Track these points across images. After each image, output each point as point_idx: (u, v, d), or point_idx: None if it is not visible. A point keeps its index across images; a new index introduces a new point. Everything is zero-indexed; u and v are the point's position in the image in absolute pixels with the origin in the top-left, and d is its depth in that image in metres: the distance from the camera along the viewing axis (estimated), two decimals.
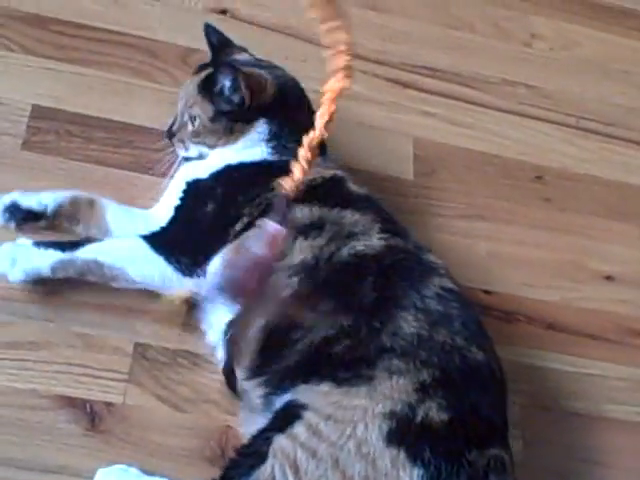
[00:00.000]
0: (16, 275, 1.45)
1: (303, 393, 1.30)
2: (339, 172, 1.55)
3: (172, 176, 1.62)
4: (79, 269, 1.46)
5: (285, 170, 1.30)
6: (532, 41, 2.19)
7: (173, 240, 1.48)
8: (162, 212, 1.54)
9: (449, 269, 1.47)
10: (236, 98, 1.54)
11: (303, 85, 1.74)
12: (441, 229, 1.79)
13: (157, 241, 1.47)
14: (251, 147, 1.56)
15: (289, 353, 1.34)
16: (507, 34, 2.18)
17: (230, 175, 1.52)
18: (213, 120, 1.57)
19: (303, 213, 1.43)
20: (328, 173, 1.52)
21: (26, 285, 1.51)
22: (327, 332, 1.32)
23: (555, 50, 2.21)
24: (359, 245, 1.40)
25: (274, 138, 1.56)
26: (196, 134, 1.59)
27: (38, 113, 1.73)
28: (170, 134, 1.63)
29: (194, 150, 1.60)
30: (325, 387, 1.29)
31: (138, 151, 1.73)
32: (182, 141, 1.61)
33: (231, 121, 1.56)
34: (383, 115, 1.95)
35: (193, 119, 1.58)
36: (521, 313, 1.72)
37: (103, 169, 1.70)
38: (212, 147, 1.58)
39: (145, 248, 1.47)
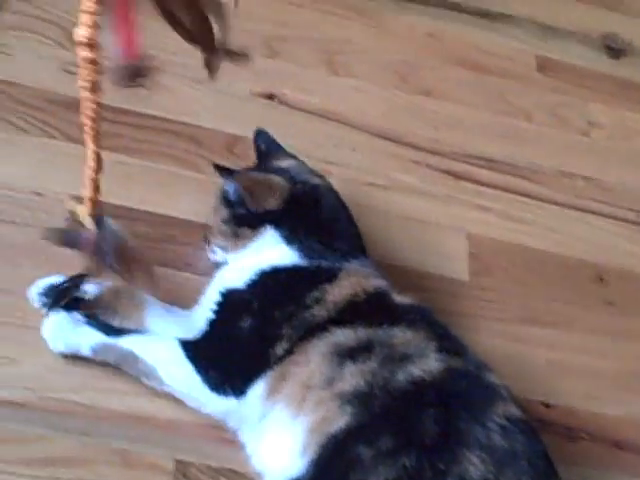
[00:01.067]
0: (57, 345, 1.45)
1: None
2: (381, 283, 1.47)
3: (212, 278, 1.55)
4: (117, 357, 1.43)
5: (319, 276, 1.41)
6: (590, 130, 2.11)
7: (206, 352, 1.42)
8: (199, 318, 1.48)
9: (509, 387, 1.38)
10: (240, 203, 1.52)
11: (353, 176, 1.66)
12: (497, 334, 1.71)
13: (191, 349, 1.42)
14: (262, 252, 1.50)
15: None
16: (564, 122, 2.11)
17: (265, 284, 1.45)
18: (226, 223, 1.54)
19: (346, 335, 1.36)
20: (370, 286, 1.44)
21: (62, 396, 1.43)
22: (389, 474, 1.22)
23: (614, 139, 2.13)
24: (416, 369, 1.31)
25: (295, 242, 1.49)
26: (215, 236, 1.56)
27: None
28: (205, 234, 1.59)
29: (218, 253, 1.57)
30: None
31: (180, 247, 1.66)
32: (209, 242, 1.58)
33: (236, 226, 1.52)
34: (435, 209, 1.88)
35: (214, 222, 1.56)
36: (584, 429, 1.62)
37: None
38: (227, 251, 1.54)
39: (179, 353, 1.42)
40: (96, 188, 1.29)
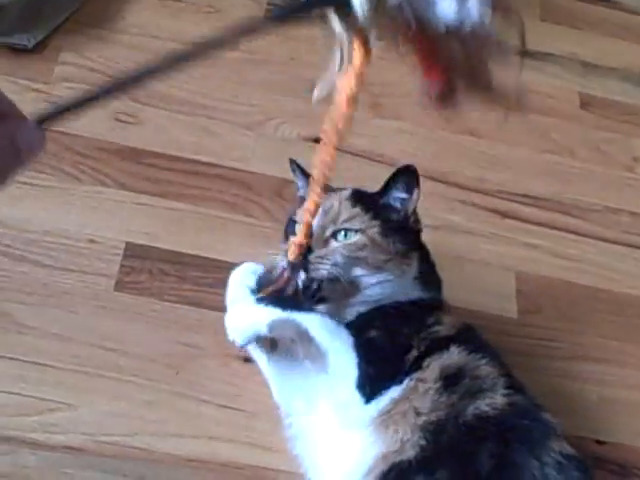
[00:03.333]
0: (237, 332, 1.38)
1: None
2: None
3: None
4: (294, 332, 1.34)
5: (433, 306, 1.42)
6: (634, 165, 2.11)
7: (369, 351, 1.36)
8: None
9: (560, 422, 1.36)
10: (405, 214, 1.47)
11: None
12: (548, 372, 1.70)
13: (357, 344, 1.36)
14: (411, 283, 1.45)
15: None
16: (608, 158, 2.11)
17: (387, 312, 1.41)
18: (385, 235, 1.42)
19: (452, 357, 1.35)
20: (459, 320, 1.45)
21: (118, 440, 1.46)
22: None
23: None
24: (483, 405, 1.30)
25: (424, 274, 1.48)
26: (353, 248, 1.40)
27: (131, 251, 1.70)
28: (301, 254, 1.36)
29: (340, 267, 1.39)
30: None
31: None
32: (325, 256, 1.38)
33: (404, 244, 1.44)
34: (483, 247, 1.88)
35: (347, 232, 1.42)
36: (637, 466, 1.61)
37: (197, 311, 1.65)
38: (374, 267, 1.41)
39: (350, 343, 1.35)
40: (308, 234, 1.27)
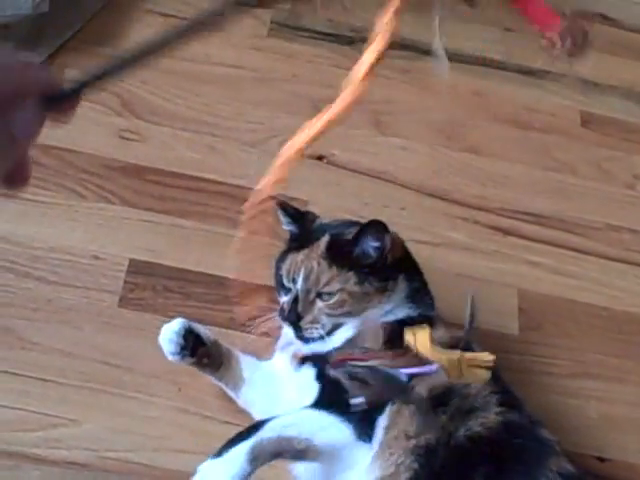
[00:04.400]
0: None
1: None
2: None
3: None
4: (272, 450, 1.29)
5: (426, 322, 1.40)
6: (636, 183, 2.12)
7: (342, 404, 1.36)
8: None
9: (561, 443, 1.38)
10: (380, 256, 1.46)
11: (402, 234, 1.69)
12: (548, 389, 1.71)
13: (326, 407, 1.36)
14: (399, 305, 1.48)
15: None
16: (609, 176, 2.12)
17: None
18: (362, 283, 1.44)
19: (440, 377, 1.35)
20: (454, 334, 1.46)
21: (121, 456, 1.47)
22: None
23: None
24: (476, 425, 1.31)
25: (414, 292, 1.50)
26: (335, 307, 1.44)
27: (135, 268, 1.72)
28: (295, 317, 1.45)
29: (328, 325, 1.45)
30: None
31: (235, 307, 1.67)
32: (314, 321, 1.45)
33: (381, 281, 1.46)
34: (484, 265, 1.89)
35: (328, 295, 1.45)
36: None
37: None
38: (357, 314, 1.45)
39: (320, 414, 1.35)
40: None
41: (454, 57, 2.27)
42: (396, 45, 2.27)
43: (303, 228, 1.55)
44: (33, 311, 1.62)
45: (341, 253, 1.47)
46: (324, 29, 2.26)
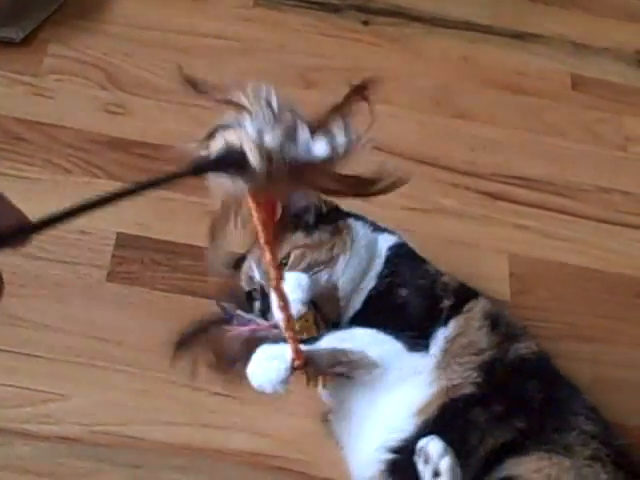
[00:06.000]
0: (269, 384, 1.27)
1: (497, 473, 1.28)
2: None
3: None
4: (327, 359, 1.31)
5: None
6: (627, 144, 2.10)
7: (394, 324, 1.41)
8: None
9: None
10: (312, 206, 1.49)
11: (392, 201, 1.72)
12: None
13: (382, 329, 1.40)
14: (369, 241, 1.51)
15: (473, 460, 1.30)
16: (600, 138, 2.10)
17: (392, 266, 1.49)
18: (311, 234, 1.46)
19: (486, 304, 1.46)
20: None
21: (112, 430, 1.47)
22: (506, 436, 1.30)
23: None
24: (522, 348, 1.42)
25: (377, 227, 1.55)
26: (297, 264, 1.42)
27: (123, 242, 1.71)
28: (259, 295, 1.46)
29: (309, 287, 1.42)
30: (515, 459, 1.28)
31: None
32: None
33: (330, 224, 1.48)
34: (475, 230, 1.88)
35: (286, 260, 1.43)
36: (633, 445, 1.59)
37: (189, 299, 1.65)
38: (326, 263, 1.44)
39: (372, 331, 1.39)
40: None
41: (442, 22, 2.25)
42: (384, 12, 2.25)
43: None
44: (20, 287, 1.61)
45: (282, 221, 1.45)
46: None
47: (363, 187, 0.97)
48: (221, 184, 0.88)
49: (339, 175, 0.93)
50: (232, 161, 0.84)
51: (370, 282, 1.48)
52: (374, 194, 0.97)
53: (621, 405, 1.66)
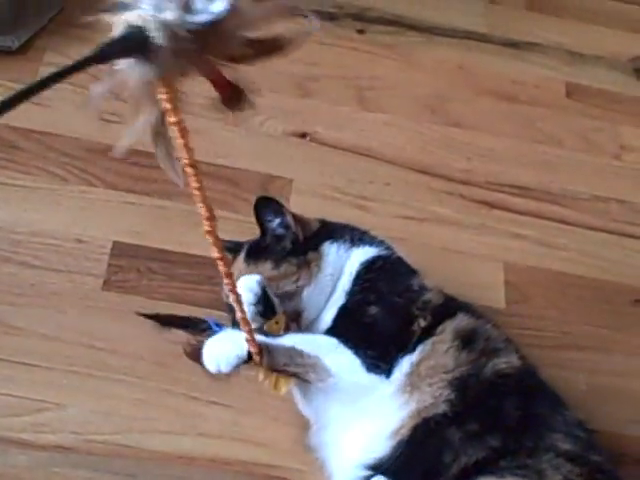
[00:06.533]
0: (219, 364, 1.30)
1: None
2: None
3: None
4: (282, 356, 1.33)
5: (405, 265, 1.53)
6: (622, 153, 2.10)
7: (358, 339, 1.41)
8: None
9: None
10: (289, 233, 1.51)
11: (388, 210, 1.69)
12: (536, 361, 1.65)
13: (345, 341, 1.41)
14: (339, 263, 1.51)
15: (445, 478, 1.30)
16: (595, 147, 2.11)
17: (366, 276, 1.50)
18: (278, 266, 1.49)
19: (464, 321, 1.44)
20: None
21: (107, 439, 1.46)
22: (479, 455, 1.29)
23: None
24: (501, 363, 1.40)
25: (359, 240, 1.55)
26: (273, 285, 1.46)
27: (119, 250, 1.71)
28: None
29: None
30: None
31: (219, 288, 1.67)
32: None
33: (300, 255, 1.50)
34: (470, 238, 1.88)
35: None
36: (629, 454, 1.61)
37: (185, 307, 1.65)
38: (291, 295, 1.48)
39: (336, 341, 1.40)
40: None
41: (438, 31, 2.26)
42: (381, 20, 2.25)
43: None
44: (16, 296, 1.61)
45: (257, 250, 1.52)
46: (306, 5, 2.23)
47: (272, 47, 0.93)
48: (130, 71, 0.85)
49: (246, 39, 0.90)
50: (136, 42, 0.81)
51: (339, 299, 1.49)
52: (283, 51, 0.93)
53: (617, 414, 1.66)
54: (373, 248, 1.53)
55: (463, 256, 1.84)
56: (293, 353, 1.34)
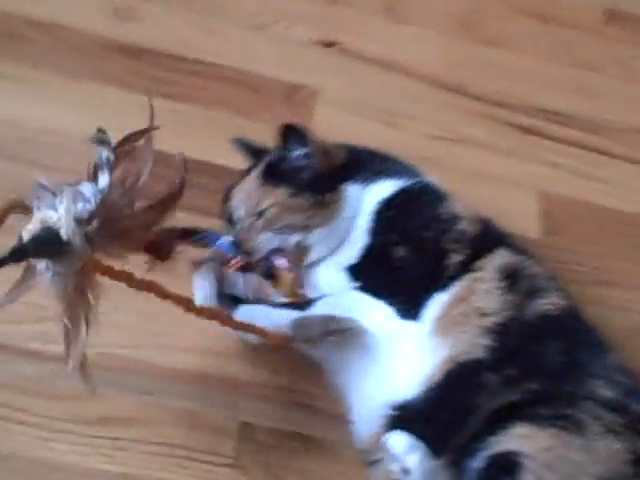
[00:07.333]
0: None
1: (503, 443, 1.16)
2: None
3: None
4: (318, 326, 1.30)
5: (432, 193, 1.43)
6: None
7: (387, 287, 1.33)
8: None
9: None
10: (311, 166, 1.41)
11: (418, 128, 1.59)
12: None
13: (374, 292, 1.34)
14: (357, 204, 1.42)
15: (474, 419, 1.21)
16: (634, 75, 1.99)
17: (389, 214, 1.40)
18: (293, 197, 1.41)
19: (504, 258, 1.34)
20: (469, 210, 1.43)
21: (121, 353, 1.40)
22: (514, 397, 1.20)
23: None
24: (545, 303, 1.30)
25: (381, 173, 1.44)
26: (272, 223, 1.41)
27: None
28: (240, 244, 1.43)
29: (274, 242, 1.42)
30: (525, 429, 1.17)
31: None
32: (256, 240, 1.43)
33: (318, 193, 1.41)
34: (503, 163, 1.79)
35: (265, 212, 1.41)
36: None
37: (207, 220, 1.54)
38: (301, 228, 1.41)
39: (364, 296, 1.33)
40: None
41: None
42: None
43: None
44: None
45: (276, 171, 1.43)
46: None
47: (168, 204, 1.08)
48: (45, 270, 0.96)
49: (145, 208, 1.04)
50: (47, 242, 0.94)
51: (362, 238, 1.40)
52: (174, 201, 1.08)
53: None
54: (394, 181, 1.43)
55: (495, 181, 1.75)
56: (328, 321, 1.29)
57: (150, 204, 1.07)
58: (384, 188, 1.42)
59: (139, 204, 1.07)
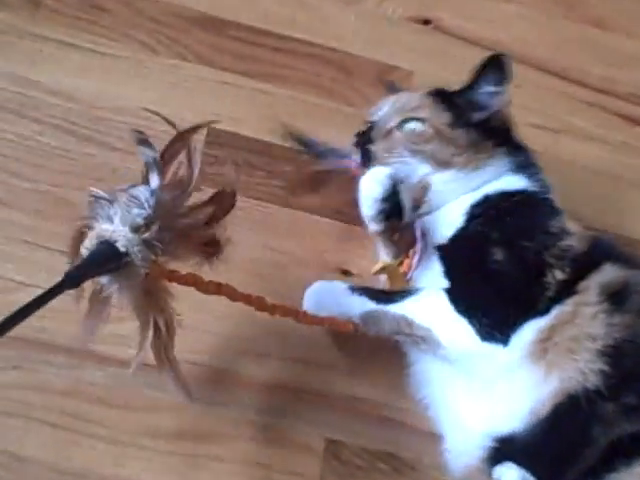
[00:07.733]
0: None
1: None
2: None
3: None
4: (390, 324, 1.23)
5: (551, 206, 1.28)
6: None
7: (474, 299, 1.21)
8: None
9: None
10: (490, 110, 1.32)
11: (519, 115, 1.44)
12: None
13: (459, 301, 1.21)
14: (496, 177, 1.30)
15: (589, 453, 1.11)
16: None
17: (497, 209, 1.26)
18: (453, 126, 1.30)
19: (610, 274, 1.20)
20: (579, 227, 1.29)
21: (196, 359, 1.29)
22: (635, 428, 1.10)
23: None
24: None
25: (523, 167, 1.32)
26: (416, 140, 1.30)
27: (214, 138, 1.47)
28: (364, 141, 1.34)
29: (396, 163, 1.29)
30: None
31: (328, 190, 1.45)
32: (386, 150, 1.32)
33: (477, 137, 1.31)
34: (611, 158, 1.65)
35: (414, 122, 1.32)
36: None
37: (289, 212, 1.42)
38: (437, 162, 1.29)
39: (449, 308, 1.21)
40: None
41: None
42: None
43: None
44: (96, 181, 1.37)
45: (448, 95, 1.34)
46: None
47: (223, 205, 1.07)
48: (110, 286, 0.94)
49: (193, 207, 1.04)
50: (106, 257, 0.91)
51: (458, 218, 1.27)
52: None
53: None
54: (524, 181, 1.31)
55: (602, 176, 1.62)
56: (402, 323, 1.22)
57: (204, 201, 1.06)
58: (513, 181, 1.31)
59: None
